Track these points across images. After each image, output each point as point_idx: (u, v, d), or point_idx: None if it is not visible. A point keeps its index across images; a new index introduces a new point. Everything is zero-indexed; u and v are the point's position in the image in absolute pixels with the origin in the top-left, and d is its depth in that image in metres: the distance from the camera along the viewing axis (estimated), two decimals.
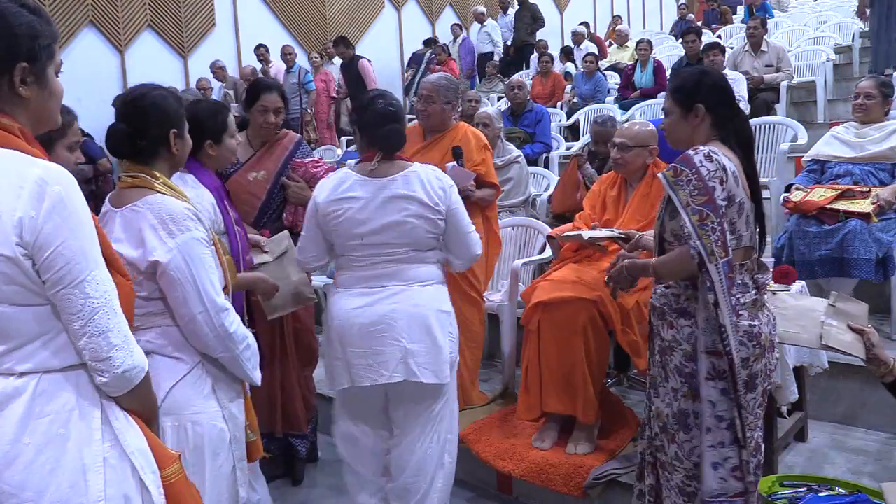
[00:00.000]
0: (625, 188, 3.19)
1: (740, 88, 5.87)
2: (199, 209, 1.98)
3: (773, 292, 2.60)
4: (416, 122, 3.59)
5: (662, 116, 2.25)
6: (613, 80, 8.66)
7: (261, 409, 2.54)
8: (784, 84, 6.47)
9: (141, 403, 1.47)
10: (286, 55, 9.39)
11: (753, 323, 2.02)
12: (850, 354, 2.22)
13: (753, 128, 3.84)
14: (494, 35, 11.11)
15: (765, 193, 2.70)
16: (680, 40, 8.48)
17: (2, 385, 1.31)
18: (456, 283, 3.26)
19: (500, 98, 8.50)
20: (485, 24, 11.32)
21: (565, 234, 3.09)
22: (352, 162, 2.87)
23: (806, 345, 2.41)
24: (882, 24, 6.33)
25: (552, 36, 12.67)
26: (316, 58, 10.24)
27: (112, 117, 1.95)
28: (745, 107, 5.79)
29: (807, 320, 2.37)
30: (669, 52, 9.50)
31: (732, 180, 1.99)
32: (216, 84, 9.71)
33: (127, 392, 1.41)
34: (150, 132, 1.90)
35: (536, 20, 10.88)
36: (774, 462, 2.77)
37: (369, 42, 11.76)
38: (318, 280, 3.99)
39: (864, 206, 3.47)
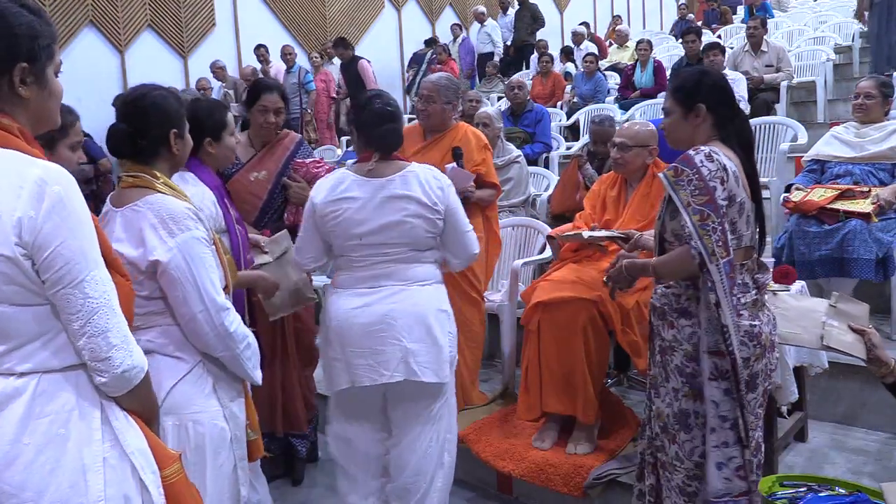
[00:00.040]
0: (625, 188, 3.19)
1: (740, 88, 5.87)
2: (199, 207, 1.98)
3: (774, 292, 2.60)
4: (416, 121, 3.59)
5: (662, 116, 2.25)
6: (613, 80, 8.67)
7: (261, 408, 2.53)
8: (784, 84, 6.47)
9: (141, 403, 1.47)
10: (286, 55, 9.39)
11: (754, 323, 2.02)
12: (852, 355, 2.22)
13: (753, 128, 3.84)
14: (494, 35, 11.10)
15: (765, 193, 2.70)
16: (680, 40, 8.48)
17: (2, 385, 1.31)
18: (456, 283, 3.26)
19: (500, 98, 8.50)
20: (485, 24, 11.32)
21: (565, 234, 3.10)
22: (350, 162, 2.87)
23: (807, 345, 2.41)
24: (882, 27, 6.32)
25: (552, 36, 12.67)
26: (316, 58, 10.24)
27: (112, 117, 1.95)
28: (745, 107, 5.79)
29: (808, 321, 2.37)
30: (669, 52, 9.50)
31: (733, 180, 1.99)
32: (216, 84, 9.70)
33: (126, 392, 1.41)
34: (151, 132, 1.90)
35: (536, 20, 10.88)
36: (774, 462, 2.77)
37: (369, 42, 11.76)
38: (319, 280, 3.99)
39: (864, 206, 3.47)
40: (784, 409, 2.96)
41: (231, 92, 9.48)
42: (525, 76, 9.11)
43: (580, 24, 11.58)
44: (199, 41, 10.15)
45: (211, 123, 2.50)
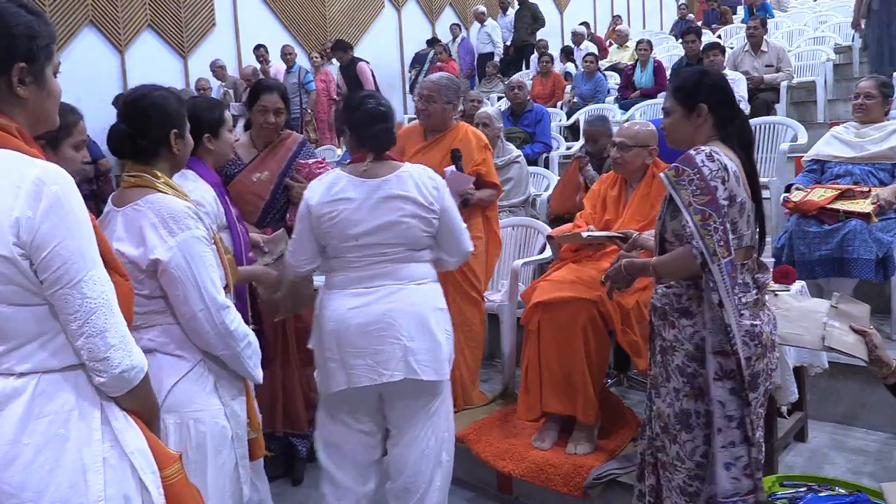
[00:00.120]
0: (625, 188, 3.19)
1: (740, 88, 5.87)
2: (200, 203, 1.97)
3: (774, 293, 2.60)
4: (416, 121, 3.59)
5: (662, 116, 2.25)
6: (613, 80, 8.67)
7: (262, 407, 2.52)
8: (784, 84, 6.47)
9: (141, 403, 1.47)
10: (286, 55, 9.39)
11: (755, 322, 2.02)
12: (854, 356, 2.22)
13: (753, 128, 3.84)
14: (494, 35, 11.10)
15: (765, 193, 2.70)
16: (680, 40, 8.47)
17: (1, 385, 1.31)
18: (457, 283, 3.26)
19: (500, 98, 8.50)
20: (485, 24, 11.32)
21: (564, 234, 3.10)
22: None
23: (809, 346, 2.40)
24: (883, 30, 6.32)
25: (552, 36, 12.67)
26: (316, 58, 10.23)
27: (112, 117, 1.96)
28: (745, 107, 5.79)
29: (809, 322, 2.36)
30: (669, 52, 9.50)
31: (734, 180, 1.99)
32: (215, 84, 9.71)
33: (126, 392, 1.41)
34: (151, 132, 1.90)
35: (536, 20, 10.88)
36: (774, 462, 2.77)
37: (369, 42, 11.76)
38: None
39: (864, 206, 3.47)
40: (784, 409, 2.96)
41: (230, 91, 9.48)
42: (525, 76, 9.11)
43: (580, 24, 11.58)
44: (199, 41, 10.15)
45: (209, 119, 2.53)
